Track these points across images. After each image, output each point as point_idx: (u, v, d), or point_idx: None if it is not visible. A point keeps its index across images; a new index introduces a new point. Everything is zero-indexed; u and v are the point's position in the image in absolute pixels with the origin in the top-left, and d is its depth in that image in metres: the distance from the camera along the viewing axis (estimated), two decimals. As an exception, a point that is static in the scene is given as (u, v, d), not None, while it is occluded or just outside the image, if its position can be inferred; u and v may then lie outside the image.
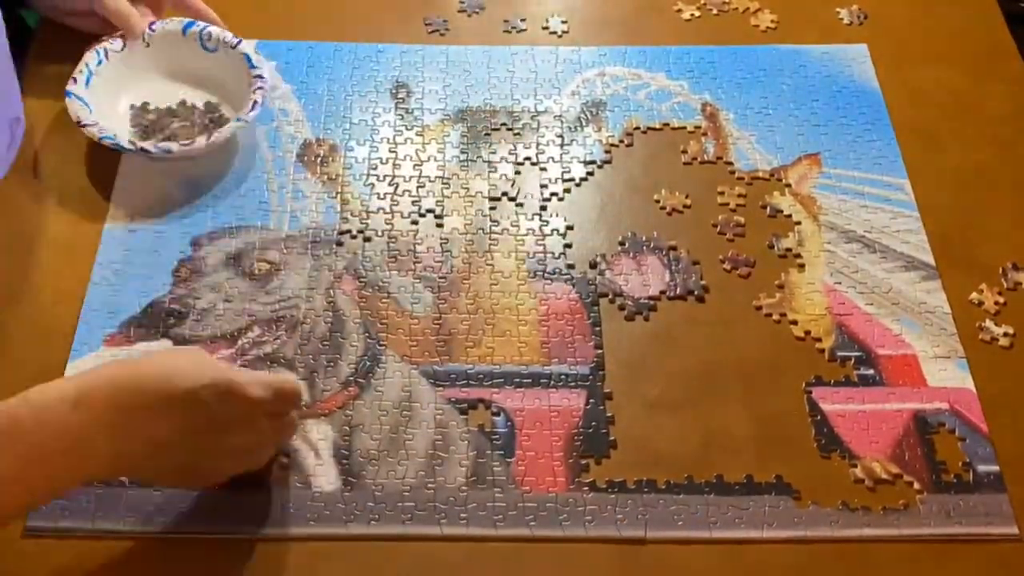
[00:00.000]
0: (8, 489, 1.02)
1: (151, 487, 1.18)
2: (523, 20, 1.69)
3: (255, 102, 1.45)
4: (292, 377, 1.24)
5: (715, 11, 1.71)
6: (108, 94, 1.49)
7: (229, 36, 1.52)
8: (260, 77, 1.47)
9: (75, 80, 1.45)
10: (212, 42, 1.52)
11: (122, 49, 1.51)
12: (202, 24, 1.53)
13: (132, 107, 1.51)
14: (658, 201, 1.45)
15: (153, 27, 1.52)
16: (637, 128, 1.54)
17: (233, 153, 1.48)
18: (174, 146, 1.41)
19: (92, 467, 1.06)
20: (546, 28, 1.68)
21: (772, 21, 1.69)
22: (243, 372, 1.15)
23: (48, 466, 1.03)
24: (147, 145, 1.42)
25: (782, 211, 1.45)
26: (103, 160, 1.45)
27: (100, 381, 1.06)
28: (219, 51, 1.52)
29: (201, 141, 1.42)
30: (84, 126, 1.41)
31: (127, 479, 1.18)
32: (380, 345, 1.31)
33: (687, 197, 1.46)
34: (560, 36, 1.68)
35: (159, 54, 1.53)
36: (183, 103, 1.51)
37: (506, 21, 1.69)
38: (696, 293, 1.36)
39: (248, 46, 1.52)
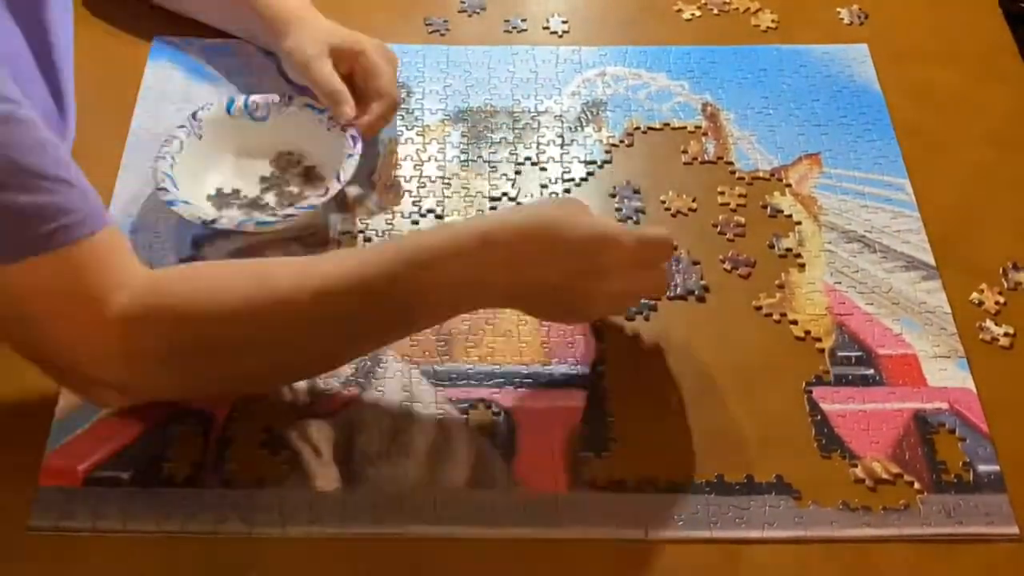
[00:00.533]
0: (425, 305, 1.20)
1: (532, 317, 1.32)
2: (523, 20, 1.69)
3: (353, 136, 1.44)
4: (663, 230, 1.25)
5: (715, 11, 1.72)
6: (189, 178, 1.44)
7: (275, 97, 1.51)
8: (353, 138, 1.45)
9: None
10: (261, 111, 1.50)
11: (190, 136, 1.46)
12: (242, 97, 1.50)
13: (213, 194, 1.45)
14: (664, 202, 1.45)
15: (197, 116, 1.47)
16: (637, 128, 1.55)
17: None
18: (291, 210, 1.40)
19: (489, 297, 1.23)
20: (547, 28, 1.69)
21: (772, 21, 1.70)
22: (619, 225, 1.33)
23: (457, 290, 1.19)
24: (270, 216, 1.40)
25: (782, 211, 1.45)
26: (104, 161, 1.45)
27: (503, 225, 1.19)
28: (270, 117, 1.50)
29: (314, 199, 1.40)
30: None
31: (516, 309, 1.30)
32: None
33: (693, 200, 1.46)
34: (560, 36, 1.68)
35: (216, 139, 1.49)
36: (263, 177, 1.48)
37: (507, 21, 1.69)
38: (696, 293, 1.36)
39: (299, 101, 1.51)
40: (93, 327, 1.12)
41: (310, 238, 1.40)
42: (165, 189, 1.37)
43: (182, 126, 1.45)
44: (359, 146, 1.42)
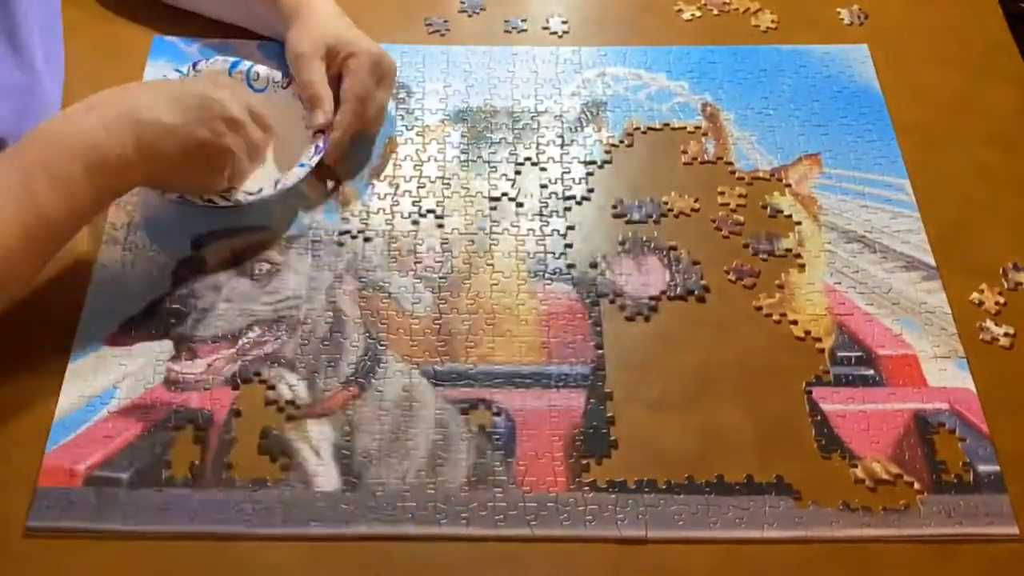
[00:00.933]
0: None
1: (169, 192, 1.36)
2: (524, 20, 1.69)
3: (318, 146, 1.44)
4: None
5: (715, 11, 1.71)
6: None
7: (278, 75, 1.51)
8: (317, 147, 1.45)
9: None
10: (260, 82, 1.50)
11: None
12: (248, 63, 1.51)
13: None
14: (666, 202, 1.45)
15: (198, 66, 1.49)
16: (637, 128, 1.54)
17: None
18: (240, 195, 1.38)
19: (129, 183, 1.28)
20: (546, 28, 1.68)
21: (772, 21, 1.69)
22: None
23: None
24: (214, 197, 1.37)
25: (782, 211, 1.45)
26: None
27: (117, 112, 1.24)
28: (268, 90, 1.50)
29: (268, 189, 1.39)
30: None
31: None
32: (380, 345, 1.31)
33: (696, 201, 1.46)
34: (561, 36, 1.68)
35: None
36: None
37: (507, 21, 1.69)
38: (696, 293, 1.36)
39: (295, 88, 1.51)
40: None
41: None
42: None
43: (178, 71, 1.47)
44: (316, 159, 1.42)
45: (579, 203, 1.46)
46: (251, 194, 1.38)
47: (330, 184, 1.46)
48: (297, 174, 1.40)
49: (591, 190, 1.47)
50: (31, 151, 1.20)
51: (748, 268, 1.39)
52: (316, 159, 1.42)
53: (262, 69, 1.51)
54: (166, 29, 1.61)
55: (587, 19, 1.71)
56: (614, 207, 1.45)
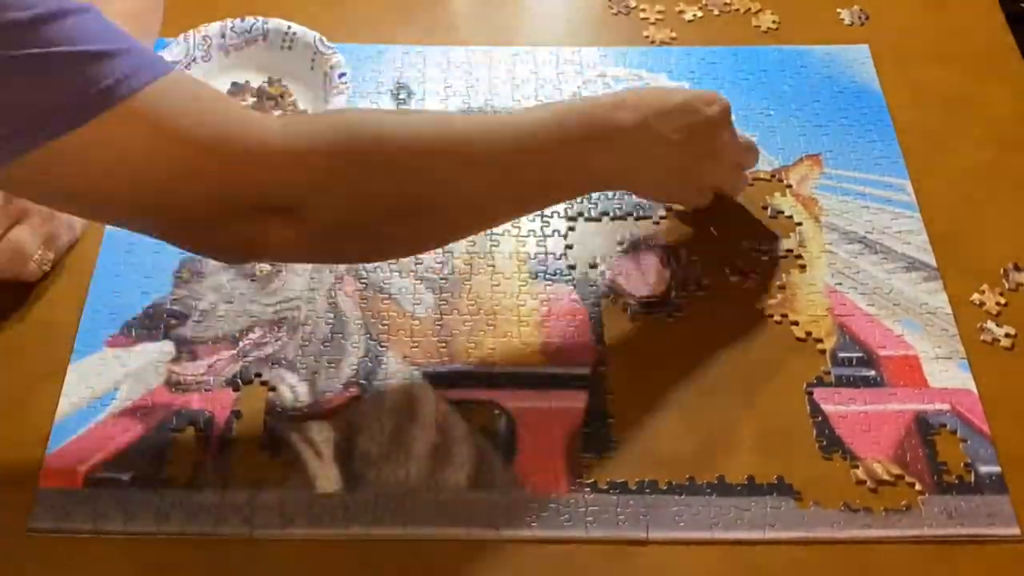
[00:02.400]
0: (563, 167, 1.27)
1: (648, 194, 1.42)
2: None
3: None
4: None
5: (716, 11, 1.71)
6: None
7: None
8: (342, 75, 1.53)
9: None
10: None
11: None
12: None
13: None
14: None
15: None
16: (638, 129, 1.54)
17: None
18: None
19: (623, 159, 1.29)
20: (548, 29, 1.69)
21: (773, 22, 1.69)
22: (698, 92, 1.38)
23: (592, 148, 1.27)
24: None
25: (783, 212, 1.45)
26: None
27: (627, 94, 1.33)
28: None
29: None
30: None
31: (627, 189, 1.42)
32: (381, 346, 1.31)
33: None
34: (561, 36, 1.68)
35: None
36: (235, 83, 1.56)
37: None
38: (696, 293, 1.36)
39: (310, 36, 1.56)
40: (254, 149, 1.10)
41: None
42: None
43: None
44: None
45: (580, 203, 1.45)
46: None
47: None
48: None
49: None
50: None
51: (749, 268, 1.40)
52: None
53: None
54: (165, 29, 1.61)
55: (588, 19, 1.71)
56: (615, 207, 1.45)
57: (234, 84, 1.55)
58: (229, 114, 1.11)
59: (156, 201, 1.07)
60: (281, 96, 1.53)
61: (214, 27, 1.55)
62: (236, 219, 1.10)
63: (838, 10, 1.71)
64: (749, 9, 1.71)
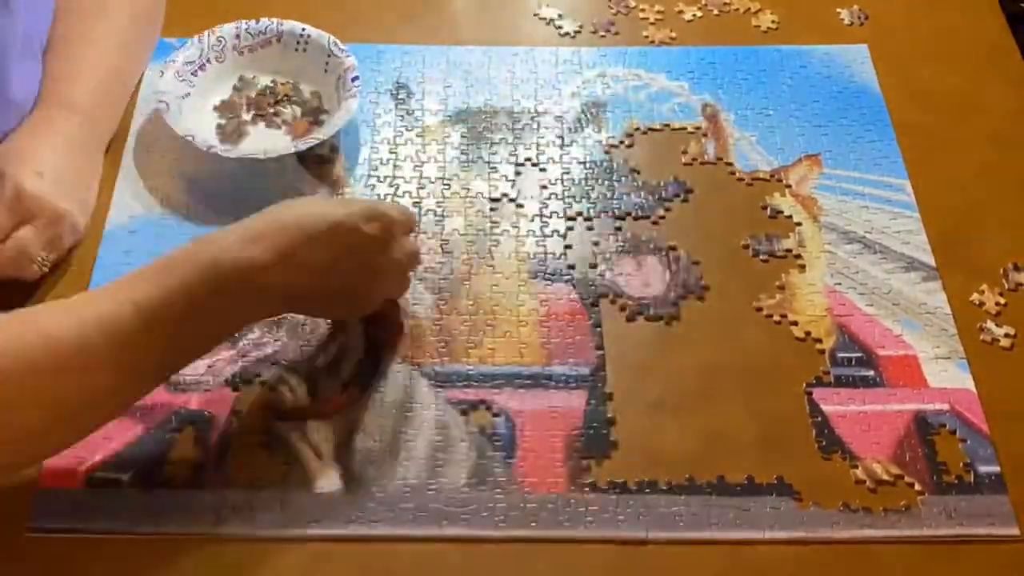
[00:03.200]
0: (206, 322, 1.15)
1: (317, 317, 1.32)
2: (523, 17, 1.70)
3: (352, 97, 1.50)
4: (403, 209, 1.31)
5: (716, 12, 1.71)
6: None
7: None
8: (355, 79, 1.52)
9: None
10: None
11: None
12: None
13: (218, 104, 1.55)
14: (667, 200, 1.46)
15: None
16: (637, 129, 1.54)
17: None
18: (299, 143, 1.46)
19: (268, 300, 1.19)
20: (542, 18, 1.69)
21: (773, 21, 1.69)
22: (355, 205, 1.28)
23: (230, 298, 1.14)
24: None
25: (782, 212, 1.45)
26: (105, 159, 1.44)
27: (265, 223, 1.17)
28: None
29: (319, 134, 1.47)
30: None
31: (295, 314, 1.31)
32: (381, 347, 1.31)
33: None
34: (562, 36, 1.68)
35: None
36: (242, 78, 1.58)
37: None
38: (696, 293, 1.36)
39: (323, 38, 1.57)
40: None
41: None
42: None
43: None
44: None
45: (579, 203, 1.45)
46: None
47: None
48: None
49: (591, 190, 1.47)
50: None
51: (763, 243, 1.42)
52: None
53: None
54: (165, 30, 1.61)
55: (588, 19, 1.70)
56: (615, 207, 1.45)
57: (241, 79, 1.56)
58: None
59: None
60: (288, 96, 1.53)
61: (228, 28, 1.55)
62: None
63: (837, 10, 1.71)
64: (748, 9, 1.71)
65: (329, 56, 1.54)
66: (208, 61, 1.54)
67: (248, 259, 1.13)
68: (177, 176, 1.46)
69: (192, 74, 1.52)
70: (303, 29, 1.56)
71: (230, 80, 1.55)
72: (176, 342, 1.13)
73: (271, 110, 1.52)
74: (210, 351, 1.22)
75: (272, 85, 1.55)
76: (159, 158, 1.48)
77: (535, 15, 1.70)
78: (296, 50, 1.56)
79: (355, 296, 1.27)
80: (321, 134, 1.45)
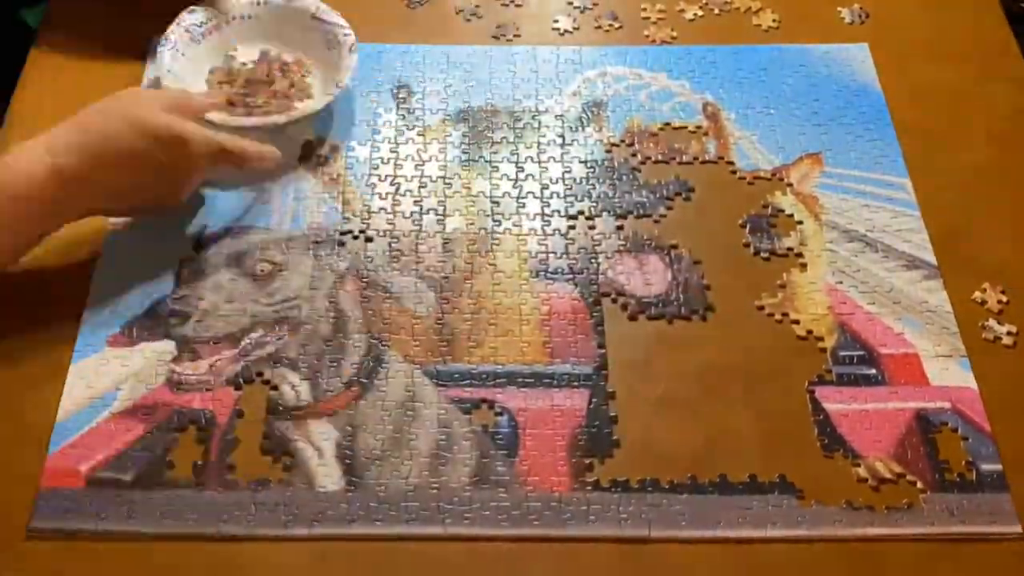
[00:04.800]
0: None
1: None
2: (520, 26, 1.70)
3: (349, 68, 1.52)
4: (261, 148, 1.39)
5: (717, 11, 1.71)
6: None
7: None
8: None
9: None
10: None
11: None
12: None
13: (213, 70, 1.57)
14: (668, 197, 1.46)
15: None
16: (638, 128, 1.54)
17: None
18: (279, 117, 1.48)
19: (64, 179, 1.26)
20: (555, 28, 1.69)
21: (774, 20, 1.69)
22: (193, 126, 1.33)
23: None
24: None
25: (783, 210, 1.45)
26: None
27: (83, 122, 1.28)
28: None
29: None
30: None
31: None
32: (383, 345, 1.31)
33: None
34: (562, 34, 1.68)
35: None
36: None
37: (499, 27, 1.69)
38: (698, 292, 1.36)
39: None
40: None
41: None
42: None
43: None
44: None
45: (580, 202, 1.45)
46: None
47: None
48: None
49: (592, 189, 1.47)
50: None
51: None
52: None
53: None
54: (163, 29, 1.61)
55: (589, 18, 1.70)
56: (616, 206, 1.45)
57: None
58: None
59: None
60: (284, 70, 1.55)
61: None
62: None
63: (838, 9, 1.71)
64: (750, 8, 1.71)
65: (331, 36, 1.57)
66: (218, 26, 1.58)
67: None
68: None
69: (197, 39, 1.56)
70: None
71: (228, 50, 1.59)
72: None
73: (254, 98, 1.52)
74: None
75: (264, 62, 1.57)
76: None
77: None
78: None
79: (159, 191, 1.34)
80: (304, 108, 1.50)
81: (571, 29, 1.68)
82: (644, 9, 1.71)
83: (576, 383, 1.29)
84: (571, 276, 1.38)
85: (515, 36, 1.67)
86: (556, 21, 1.69)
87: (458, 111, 1.56)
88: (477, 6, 1.70)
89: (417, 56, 1.63)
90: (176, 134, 1.29)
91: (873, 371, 1.30)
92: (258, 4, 1.58)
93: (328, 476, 1.21)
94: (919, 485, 1.21)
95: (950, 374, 1.30)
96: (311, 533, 1.17)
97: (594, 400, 1.27)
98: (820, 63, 1.63)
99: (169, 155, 1.29)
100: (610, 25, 1.69)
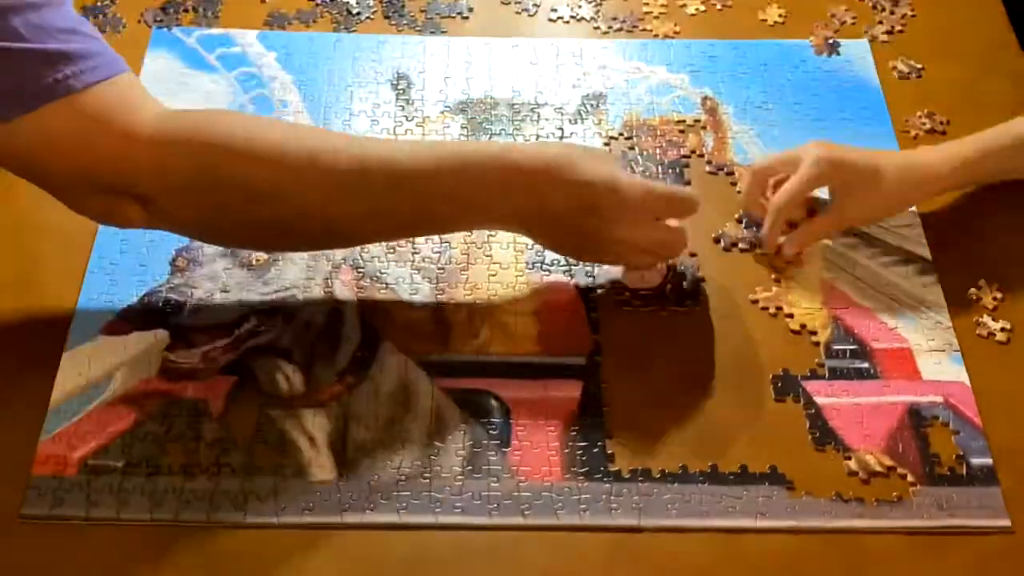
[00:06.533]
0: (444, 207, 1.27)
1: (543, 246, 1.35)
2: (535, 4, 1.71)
3: None
4: (690, 191, 1.35)
5: (719, 6, 1.71)
6: None
7: None
8: None
9: None
10: None
11: None
12: None
13: None
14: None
15: None
16: (637, 121, 1.54)
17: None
18: None
19: (500, 215, 1.28)
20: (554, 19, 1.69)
21: (780, 15, 1.69)
22: (635, 177, 1.34)
23: (474, 201, 1.26)
24: None
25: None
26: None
27: (524, 151, 1.27)
28: None
29: None
30: None
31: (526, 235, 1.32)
32: (377, 335, 1.31)
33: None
34: (567, 22, 1.69)
35: None
36: None
37: (518, 3, 1.70)
38: (692, 285, 1.37)
39: None
40: (123, 143, 1.18)
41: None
42: None
43: None
44: None
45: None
46: None
47: None
48: None
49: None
50: None
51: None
52: None
53: None
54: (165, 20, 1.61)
55: (590, 14, 1.71)
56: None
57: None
58: (127, 103, 1.21)
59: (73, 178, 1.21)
60: None
61: None
62: (97, 194, 1.21)
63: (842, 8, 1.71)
64: (753, 3, 1.71)
65: None
66: None
67: (513, 162, 1.25)
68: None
69: None
70: None
71: None
72: (425, 202, 1.25)
73: None
74: (437, 232, 1.36)
75: None
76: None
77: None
78: None
79: (584, 245, 1.31)
80: None
81: (569, 19, 1.69)
82: (647, 4, 1.71)
83: (570, 374, 1.29)
84: (567, 268, 1.38)
85: (514, 28, 1.67)
86: (555, 11, 1.70)
87: (457, 103, 1.56)
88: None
89: (417, 47, 1.63)
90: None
91: (866, 365, 1.30)
92: None
93: (321, 465, 1.21)
94: (910, 478, 1.21)
95: (942, 368, 1.30)
96: (303, 522, 1.17)
97: (587, 391, 1.28)
98: (819, 59, 1.63)
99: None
100: (612, 19, 1.69)
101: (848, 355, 1.31)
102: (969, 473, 1.21)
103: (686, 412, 1.26)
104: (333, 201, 1.23)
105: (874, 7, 1.71)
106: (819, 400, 1.27)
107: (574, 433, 1.24)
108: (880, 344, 1.32)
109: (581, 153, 1.27)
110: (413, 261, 1.38)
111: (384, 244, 1.39)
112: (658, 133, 1.53)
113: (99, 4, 1.66)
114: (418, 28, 1.66)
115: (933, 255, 1.40)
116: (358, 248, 1.38)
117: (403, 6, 1.69)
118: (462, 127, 1.53)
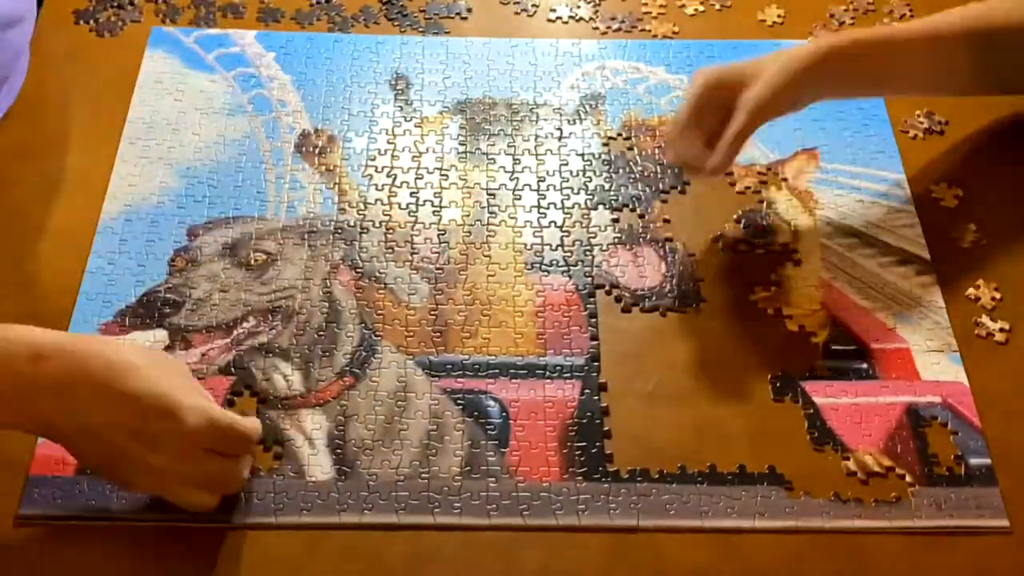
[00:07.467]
0: None
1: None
2: (535, 5, 1.71)
3: None
4: (254, 424, 1.16)
5: (718, 6, 1.71)
6: None
7: None
8: None
9: None
10: None
11: None
12: None
13: None
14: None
15: None
16: (636, 121, 1.54)
17: (231, 143, 1.48)
18: None
19: (29, 419, 1.09)
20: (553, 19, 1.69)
21: (779, 16, 1.69)
22: (199, 400, 1.12)
23: None
24: None
25: (778, 205, 1.45)
26: (100, 150, 1.45)
27: (65, 347, 1.09)
28: None
29: None
30: None
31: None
32: (376, 335, 1.31)
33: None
34: (566, 22, 1.69)
35: None
36: None
37: (516, 3, 1.70)
38: (691, 285, 1.37)
39: None
40: None
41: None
42: None
43: None
44: None
45: (576, 194, 1.46)
46: None
47: None
48: None
49: (588, 182, 1.47)
50: None
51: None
52: None
53: None
54: (164, 19, 1.61)
55: (590, 13, 1.71)
56: (612, 199, 1.45)
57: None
58: None
59: None
60: None
61: None
62: None
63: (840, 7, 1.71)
64: (751, 3, 1.71)
65: None
66: None
67: (26, 376, 1.07)
68: (173, 165, 1.46)
69: None
70: None
71: None
72: None
73: None
74: None
75: None
76: (155, 146, 1.48)
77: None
78: None
79: (110, 471, 1.14)
80: None
81: (568, 20, 1.69)
82: (645, 4, 1.71)
83: (568, 374, 1.29)
84: (566, 268, 1.38)
85: (514, 28, 1.67)
86: (554, 11, 1.70)
87: (456, 103, 1.56)
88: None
89: (415, 48, 1.63)
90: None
91: (864, 365, 1.30)
92: None
93: (319, 465, 1.21)
94: (908, 479, 1.21)
95: (941, 369, 1.30)
96: (301, 522, 1.17)
97: (586, 391, 1.28)
98: (818, 58, 1.63)
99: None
100: (611, 19, 1.69)
101: (847, 355, 1.31)
102: (967, 473, 1.21)
103: (685, 412, 1.26)
104: None
105: (874, 8, 1.71)
106: (818, 400, 1.27)
107: (572, 433, 1.24)
108: (879, 344, 1.32)
109: (136, 359, 1.11)
110: (412, 261, 1.38)
111: (383, 244, 1.39)
112: (657, 133, 1.53)
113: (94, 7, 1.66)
114: (417, 28, 1.66)
115: (932, 255, 1.40)
116: (357, 248, 1.38)
117: (403, 6, 1.69)
118: (460, 127, 1.53)
